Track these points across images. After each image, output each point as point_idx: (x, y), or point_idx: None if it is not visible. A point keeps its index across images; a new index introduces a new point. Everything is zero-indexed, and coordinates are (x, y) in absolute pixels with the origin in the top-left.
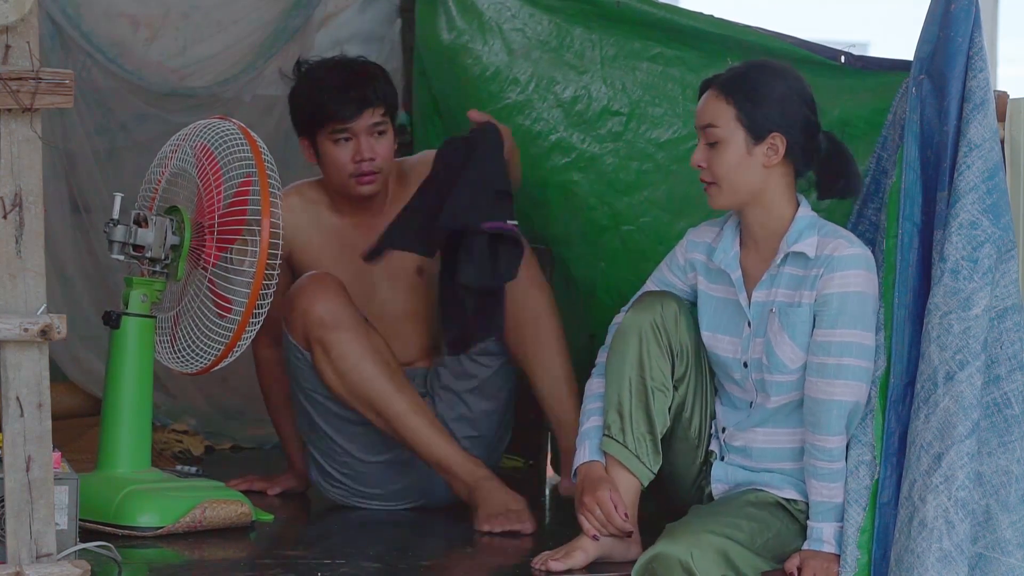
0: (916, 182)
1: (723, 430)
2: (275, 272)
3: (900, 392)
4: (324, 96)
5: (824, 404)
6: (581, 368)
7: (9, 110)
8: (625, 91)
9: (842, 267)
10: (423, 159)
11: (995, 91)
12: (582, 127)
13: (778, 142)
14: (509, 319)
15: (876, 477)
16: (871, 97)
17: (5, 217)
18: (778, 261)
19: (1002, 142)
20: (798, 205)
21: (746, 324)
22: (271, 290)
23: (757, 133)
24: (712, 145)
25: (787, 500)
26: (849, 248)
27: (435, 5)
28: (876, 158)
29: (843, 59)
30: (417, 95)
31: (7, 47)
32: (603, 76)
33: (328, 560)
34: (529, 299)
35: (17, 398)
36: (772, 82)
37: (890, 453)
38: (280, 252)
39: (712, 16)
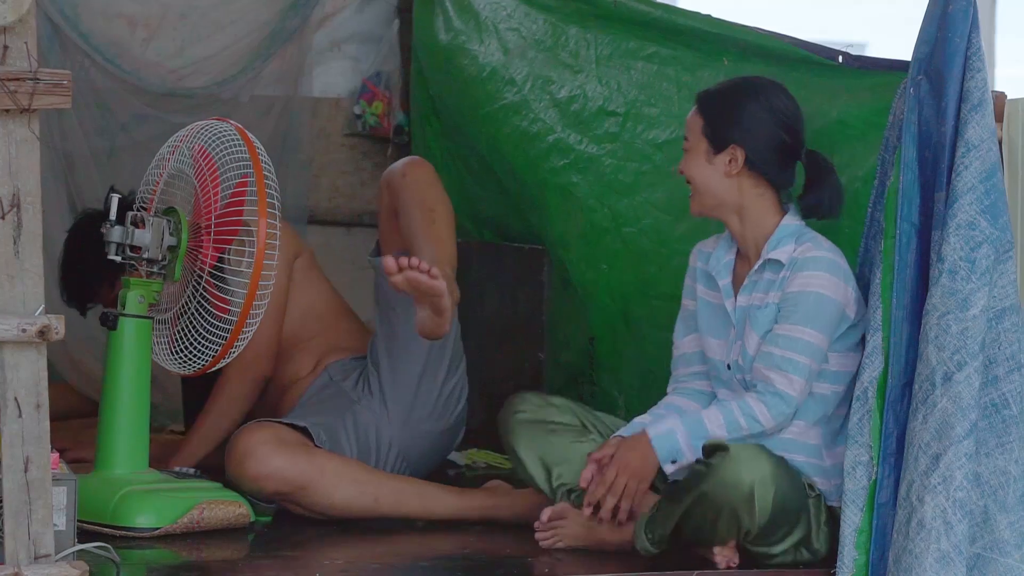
0: (914, 183)
1: None
2: (272, 273)
3: (898, 393)
4: None
5: (762, 390)
6: (581, 371)
7: (7, 111)
8: (620, 91)
9: (804, 268)
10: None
11: (993, 91)
12: (579, 127)
13: (737, 154)
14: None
15: (874, 478)
16: (869, 97)
17: (3, 218)
18: (756, 267)
19: (1000, 142)
20: (784, 214)
21: (731, 328)
22: (268, 291)
23: (717, 144)
24: (686, 153)
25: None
26: (814, 251)
27: (432, 5)
28: (880, 160)
29: (841, 59)
30: (415, 95)
31: (5, 48)
32: (598, 75)
33: (327, 560)
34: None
35: (15, 399)
36: (743, 99)
37: (888, 454)
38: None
39: (710, 16)
